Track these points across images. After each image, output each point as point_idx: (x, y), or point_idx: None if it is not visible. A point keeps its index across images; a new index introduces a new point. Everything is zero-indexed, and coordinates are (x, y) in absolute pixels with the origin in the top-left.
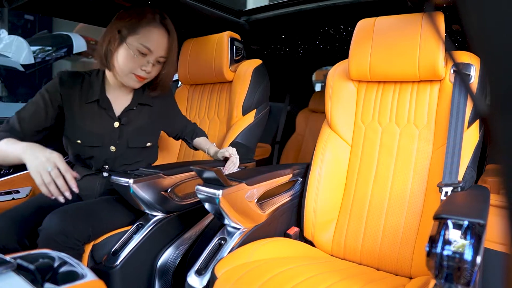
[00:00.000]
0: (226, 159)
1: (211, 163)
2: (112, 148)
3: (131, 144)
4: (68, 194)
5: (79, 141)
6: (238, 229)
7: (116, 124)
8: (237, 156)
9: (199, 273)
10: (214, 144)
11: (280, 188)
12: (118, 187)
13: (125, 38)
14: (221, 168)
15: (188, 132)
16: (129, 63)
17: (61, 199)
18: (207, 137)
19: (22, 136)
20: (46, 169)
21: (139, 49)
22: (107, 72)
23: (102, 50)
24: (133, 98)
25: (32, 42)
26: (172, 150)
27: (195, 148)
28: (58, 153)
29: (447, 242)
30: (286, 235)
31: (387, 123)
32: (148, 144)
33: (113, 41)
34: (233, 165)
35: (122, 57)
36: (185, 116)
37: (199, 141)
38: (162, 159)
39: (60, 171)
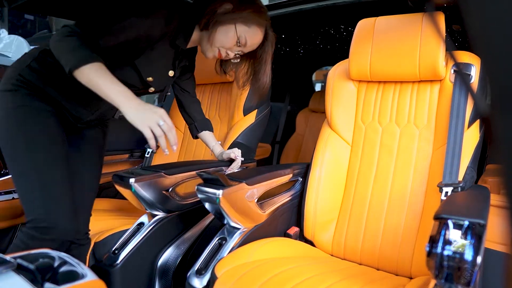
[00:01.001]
0: (230, 160)
1: (214, 163)
2: (151, 90)
3: (165, 90)
4: (175, 148)
5: (150, 79)
6: (238, 229)
7: (171, 73)
8: (241, 158)
9: (199, 273)
10: (220, 142)
11: (280, 188)
12: (119, 186)
13: (236, 21)
14: (224, 168)
15: (199, 120)
16: (224, 41)
17: (167, 152)
18: (213, 131)
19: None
20: (157, 122)
21: (240, 38)
22: (196, 29)
23: (211, 12)
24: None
25: (32, 42)
26: None
27: (196, 137)
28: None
29: (447, 242)
30: (286, 235)
31: (387, 123)
32: (168, 93)
33: (223, 14)
34: (237, 167)
35: (223, 32)
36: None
37: (206, 135)
38: (162, 159)
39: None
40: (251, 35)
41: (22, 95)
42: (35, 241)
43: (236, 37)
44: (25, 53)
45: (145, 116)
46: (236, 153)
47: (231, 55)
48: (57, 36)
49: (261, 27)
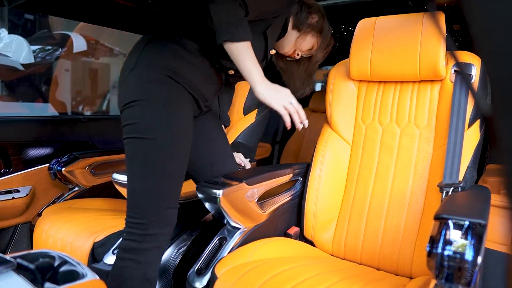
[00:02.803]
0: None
1: None
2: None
3: None
4: (306, 123)
5: (273, 51)
6: (239, 228)
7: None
8: (249, 166)
9: (200, 272)
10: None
11: (281, 187)
12: (119, 185)
13: (319, 34)
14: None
15: (224, 114)
16: (306, 46)
17: (300, 127)
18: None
19: None
20: (289, 102)
21: (315, 46)
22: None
23: (305, 18)
24: None
25: (32, 42)
26: None
27: None
28: None
29: (448, 242)
30: (287, 235)
31: (388, 123)
32: None
33: (313, 24)
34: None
35: (309, 40)
36: None
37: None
38: None
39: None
40: (323, 45)
41: (173, 88)
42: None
43: (313, 45)
44: (160, 37)
45: (278, 95)
46: (244, 160)
47: (300, 56)
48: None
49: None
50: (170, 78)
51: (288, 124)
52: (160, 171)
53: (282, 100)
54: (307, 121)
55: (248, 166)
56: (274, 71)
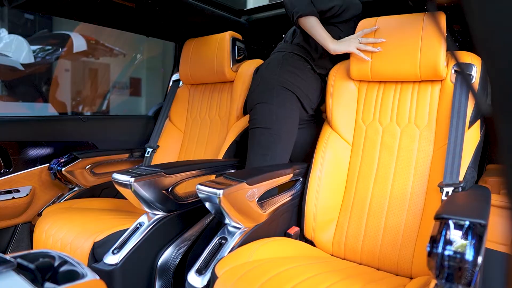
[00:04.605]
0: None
1: (214, 163)
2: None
3: None
4: (379, 48)
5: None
6: (239, 228)
7: None
8: None
9: (200, 272)
10: None
11: (281, 187)
12: (119, 185)
13: None
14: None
15: None
16: None
17: (376, 50)
18: None
19: None
20: (357, 42)
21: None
22: None
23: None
24: None
25: (32, 42)
26: (172, 149)
27: None
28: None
29: (448, 242)
30: (287, 235)
31: (388, 123)
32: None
33: None
34: None
35: None
36: None
37: None
38: (162, 158)
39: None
40: None
41: (286, 95)
42: None
43: None
44: (280, 56)
45: (347, 43)
46: None
47: None
48: None
49: None
50: (284, 88)
51: (366, 59)
52: (271, 151)
53: (352, 44)
54: (379, 47)
55: None
56: None
